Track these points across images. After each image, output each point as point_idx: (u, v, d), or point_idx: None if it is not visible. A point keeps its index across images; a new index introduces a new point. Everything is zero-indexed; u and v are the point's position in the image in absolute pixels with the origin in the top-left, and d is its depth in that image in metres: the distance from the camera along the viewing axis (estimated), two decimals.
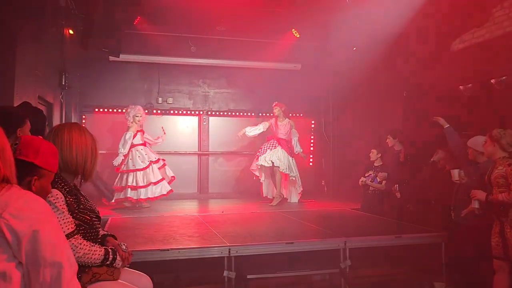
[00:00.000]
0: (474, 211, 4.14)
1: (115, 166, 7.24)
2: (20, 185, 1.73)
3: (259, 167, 7.81)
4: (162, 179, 7.23)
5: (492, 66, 5.47)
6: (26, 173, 1.81)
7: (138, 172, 7.05)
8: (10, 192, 1.50)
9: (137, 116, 7.33)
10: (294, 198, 8.05)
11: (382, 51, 7.25)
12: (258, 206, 7.57)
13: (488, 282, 4.07)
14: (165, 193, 7.16)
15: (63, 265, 1.49)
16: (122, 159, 7.14)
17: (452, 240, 4.70)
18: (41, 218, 1.51)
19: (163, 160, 7.49)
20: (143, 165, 7.11)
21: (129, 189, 7.01)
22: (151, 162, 7.19)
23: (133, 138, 7.22)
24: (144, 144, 7.36)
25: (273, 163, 7.63)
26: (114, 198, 7.19)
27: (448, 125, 4.90)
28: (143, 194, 7.00)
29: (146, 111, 9.04)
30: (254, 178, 8.14)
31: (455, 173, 4.43)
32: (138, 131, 7.35)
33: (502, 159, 3.86)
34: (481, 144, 4.45)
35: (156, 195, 7.08)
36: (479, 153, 4.47)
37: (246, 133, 7.99)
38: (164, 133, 7.72)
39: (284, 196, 7.99)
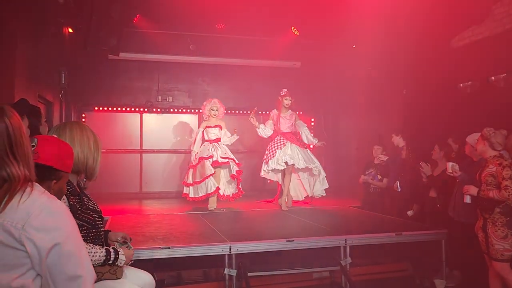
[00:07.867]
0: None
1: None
2: None
3: (270, 171, 6.93)
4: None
5: (492, 64, 5.48)
6: (45, 177, 1.78)
7: None
8: (32, 200, 1.44)
9: (212, 110, 7.06)
10: (319, 191, 6.97)
11: (382, 49, 7.25)
12: (264, 205, 7.28)
13: (488, 279, 4.09)
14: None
15: (83, 277, 1.48)
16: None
17: (452, 237, 4.72)
18: (64, 230, 1.47)
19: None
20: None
21: None
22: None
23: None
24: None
25: (286, 162, 6.66)
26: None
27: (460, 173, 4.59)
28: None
29: (146, 109, 9.09)
30: (269, 181, 7.64)
31: (449, 165, 4.57)
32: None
33: (493, 158, 3.92)
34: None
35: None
36: (475, 150, 4.50)
37: (258, 129, 6.98)
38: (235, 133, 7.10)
39: (308, 195, 7.21)
